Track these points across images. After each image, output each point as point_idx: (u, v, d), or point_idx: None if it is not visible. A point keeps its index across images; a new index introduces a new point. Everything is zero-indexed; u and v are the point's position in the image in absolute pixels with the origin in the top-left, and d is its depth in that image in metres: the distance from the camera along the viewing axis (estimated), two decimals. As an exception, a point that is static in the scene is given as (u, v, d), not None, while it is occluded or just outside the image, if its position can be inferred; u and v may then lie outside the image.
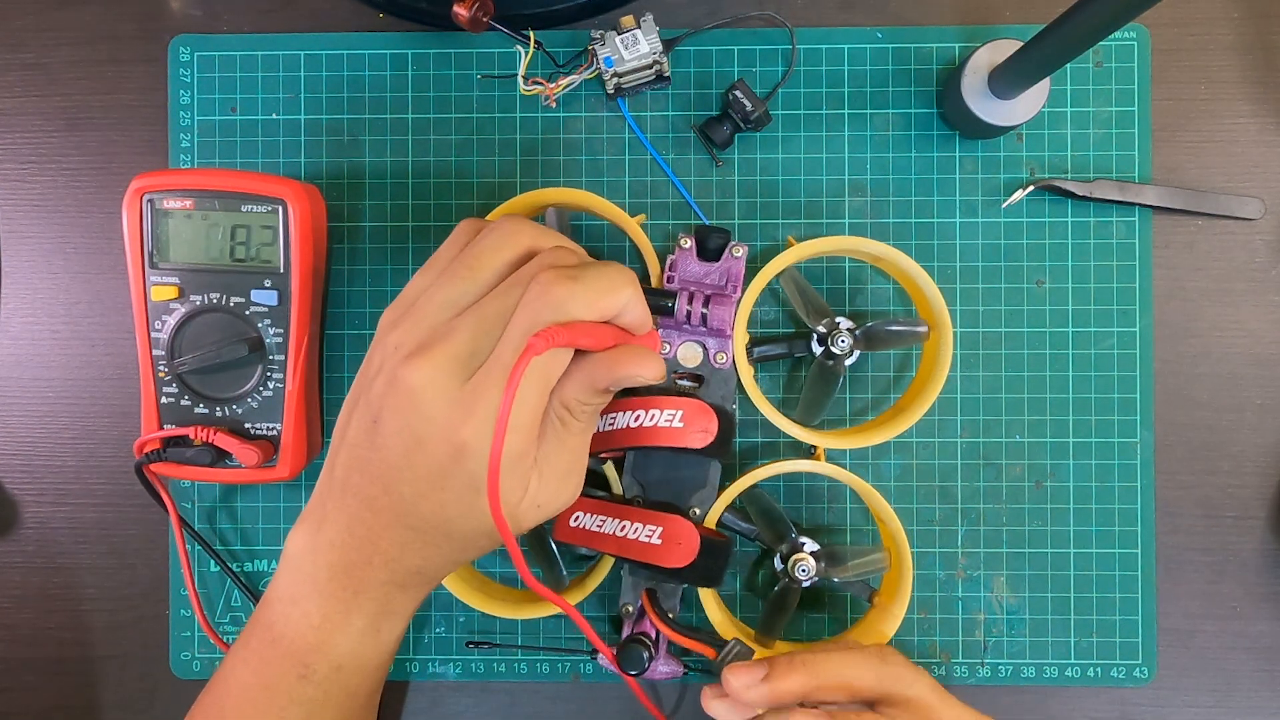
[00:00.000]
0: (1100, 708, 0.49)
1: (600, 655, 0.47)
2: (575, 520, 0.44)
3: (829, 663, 0.40)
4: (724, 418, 0.44)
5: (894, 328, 0.46)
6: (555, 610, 0.46)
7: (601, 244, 0.49)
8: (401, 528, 0.36)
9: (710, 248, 0.45)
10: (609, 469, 0.46)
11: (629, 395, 0.44)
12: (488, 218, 0.46)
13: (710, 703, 0.43)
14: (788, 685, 0.40)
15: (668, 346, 0.45)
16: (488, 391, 0.33)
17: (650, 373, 0.35)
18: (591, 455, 0.45)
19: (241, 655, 0.39)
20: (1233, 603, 0.49)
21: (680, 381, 0.45)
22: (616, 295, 0.35)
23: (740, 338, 0.45)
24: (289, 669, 0.37)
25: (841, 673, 0.40)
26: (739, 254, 0.45)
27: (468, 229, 0.38)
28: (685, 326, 0.45)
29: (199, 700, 0.40)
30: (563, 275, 0.34)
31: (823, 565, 0.46)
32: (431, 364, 0.33)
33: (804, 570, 0.45)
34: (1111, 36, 0.48)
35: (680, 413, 0.43)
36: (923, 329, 0.46)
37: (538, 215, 0.48)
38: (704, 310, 0.44)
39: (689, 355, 0.45)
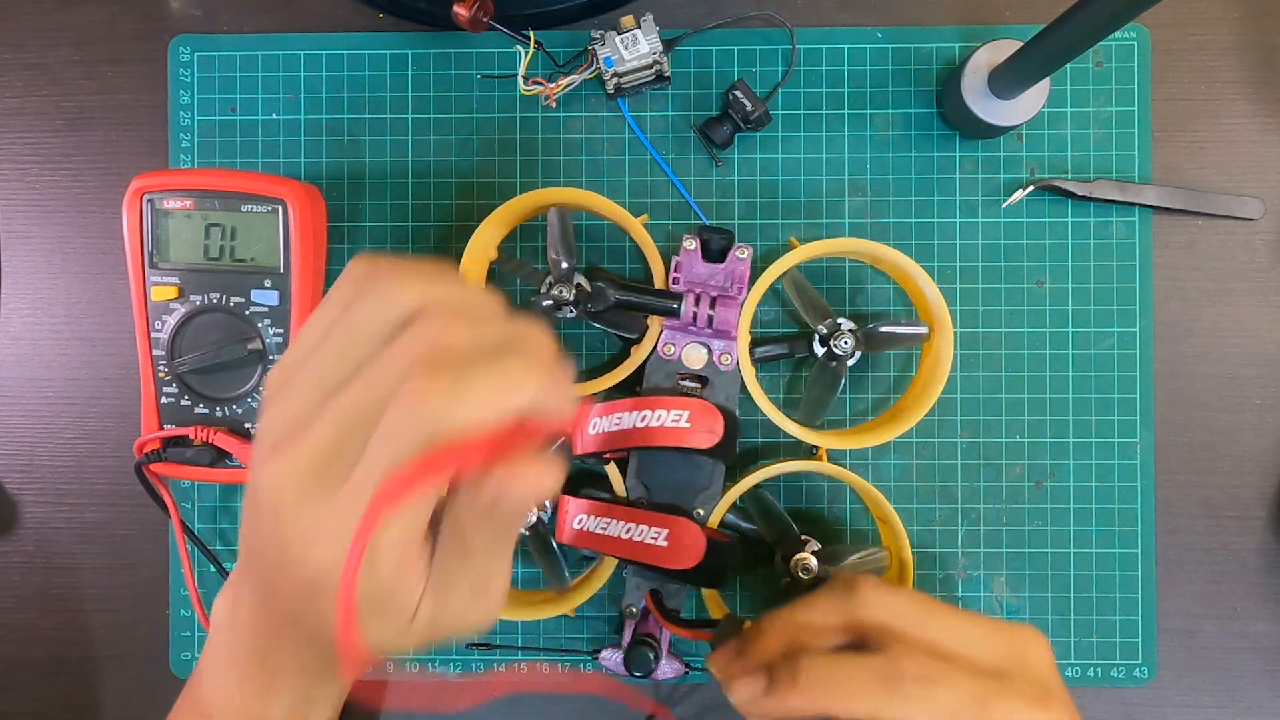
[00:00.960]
0: (1100, 708, 0.49)
1: (605, 654, 0.47)
2: (578, 522, 0.44)
3: (794, 614, 0.37)
4: (729, 419, 0.44)
5: (894, 329, 0.46)
6: (553, 612, 0.46)
7: (601, 243, 0.49)
8: (296, 627, 0.31)
9: (714, 249, 0.45)
10: (612, 470, 0.46)
11: (634, 396, 0.44)
12: (490, 217, 0.46)
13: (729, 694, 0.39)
14: (761, 651, 0.37)
15: (673, 348, 0.45)
16: (341, 515, 0.27)
17: (543, 491, 0.28)
18: (595, 456, 0.45)
19: (182, 712, 0.36)
20: (1233, 603, 0.49)
21: (684, 383, 0.45)
22: (514, 395, 0.27)
23: (743, 339, 0.45)
24: None
25: (809, 619, 0.37)
26: (744, 255, 0.45)
27: (360, 274, 0.29)
28: (691, 328, 0.45)
29: None
30: (440, 379, 0.26)
31: (824, 566, 0.46)
32: (283, 469, 0.27)
33: (805, 570, 0.45)
34: (1111, 36, 0.48)
35: (686, 413, 0.43)
36: (923, 330, 0.46)
37: (539, 215, 0.48)
38: (710, 312, 0.44)
39: (694, 357, 0.45)
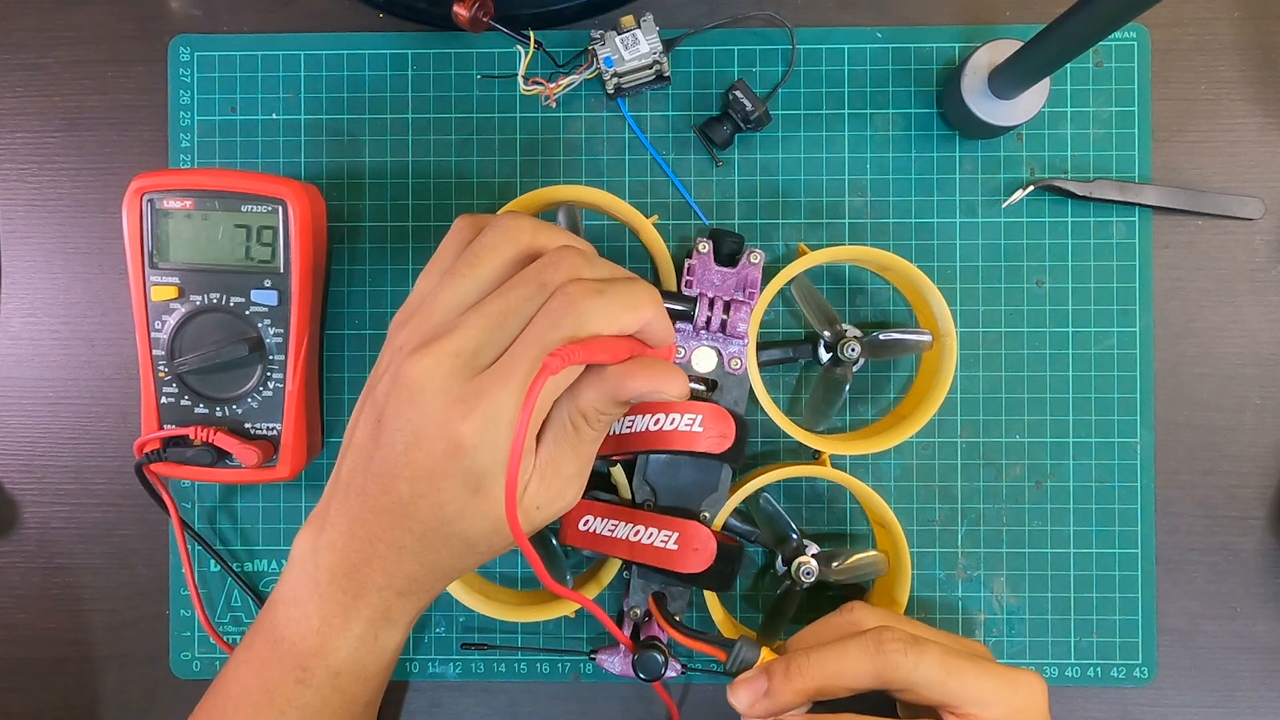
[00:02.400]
0: (1100, 708, 0.49)
1: (603, 655, 0.47)
2: (585, 524, 0.44)
3: (824, 663, 0.40)
4: (740, 423, 0.44)
5: (898, 337, 0.46)
6: (555, 613, 0.46)
7: (602, 243, 0.49)
8: (400, 530, 0.35)
9: (724, 252, 0.45)
10: (617, 472, 0.46)
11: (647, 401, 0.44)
12: (499, 213, 0.46)
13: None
14: (788, 698, 0.39)
15: (682, 351, 0.45)
16: (492, 391, 0.33)
17: (672, 389, 0.35)
18: (604, 458, 0.45)
19: (244, 656, 0.39)
20: (1233, 603, 0.49)
21: (692, 385, 0.45)
22: (639, 313, 0.34)
23: (752, 344, 0.45)
24: (288, 672, 0.37)
25: (840, 670, 0.39)
26: (756, 260, 0.44)
27: (466, 226, 0.38)
28: (702, 332, 0.45)
29: (203, 699, 0.40)
30: (588, 289, 0.33)
31: (825, 570, 0.46)
32: (433, 358, 0.33)
33: (808, 573, 0.45)
34: (1111, 36, 0.48)
35: (700, 417, 0.43)
36: (927, 338, 0.46)
37: (549, 212, 0.48)
38: (724, 317, 0.44)
39: (703, 361, 0.45)
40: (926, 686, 0.39)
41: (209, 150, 0.49)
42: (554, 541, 0.47)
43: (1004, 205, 0.49)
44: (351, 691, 0.38)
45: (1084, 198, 0.48)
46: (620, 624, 0.46)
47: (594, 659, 0.47)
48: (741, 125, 0.47)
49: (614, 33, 0.46)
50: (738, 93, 0.46)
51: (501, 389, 0.33)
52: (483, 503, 0.34)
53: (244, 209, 0.45)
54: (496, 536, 0.36)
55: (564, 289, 0.34)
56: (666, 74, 0.47)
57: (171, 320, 0.45)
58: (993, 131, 0.47)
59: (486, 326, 0.34)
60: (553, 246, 0.35)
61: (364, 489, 0.35)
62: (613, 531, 0.44)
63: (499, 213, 0.46)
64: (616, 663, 0.46)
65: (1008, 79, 0.44)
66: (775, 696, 0.40)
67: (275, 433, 0.46)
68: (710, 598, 0.47)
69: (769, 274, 0.45)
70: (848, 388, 0.46)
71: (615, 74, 0.46)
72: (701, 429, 0.43)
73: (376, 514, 0.35)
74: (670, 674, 0.45)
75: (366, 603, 0.36)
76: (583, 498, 0.45)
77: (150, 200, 0.45)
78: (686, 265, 0.45)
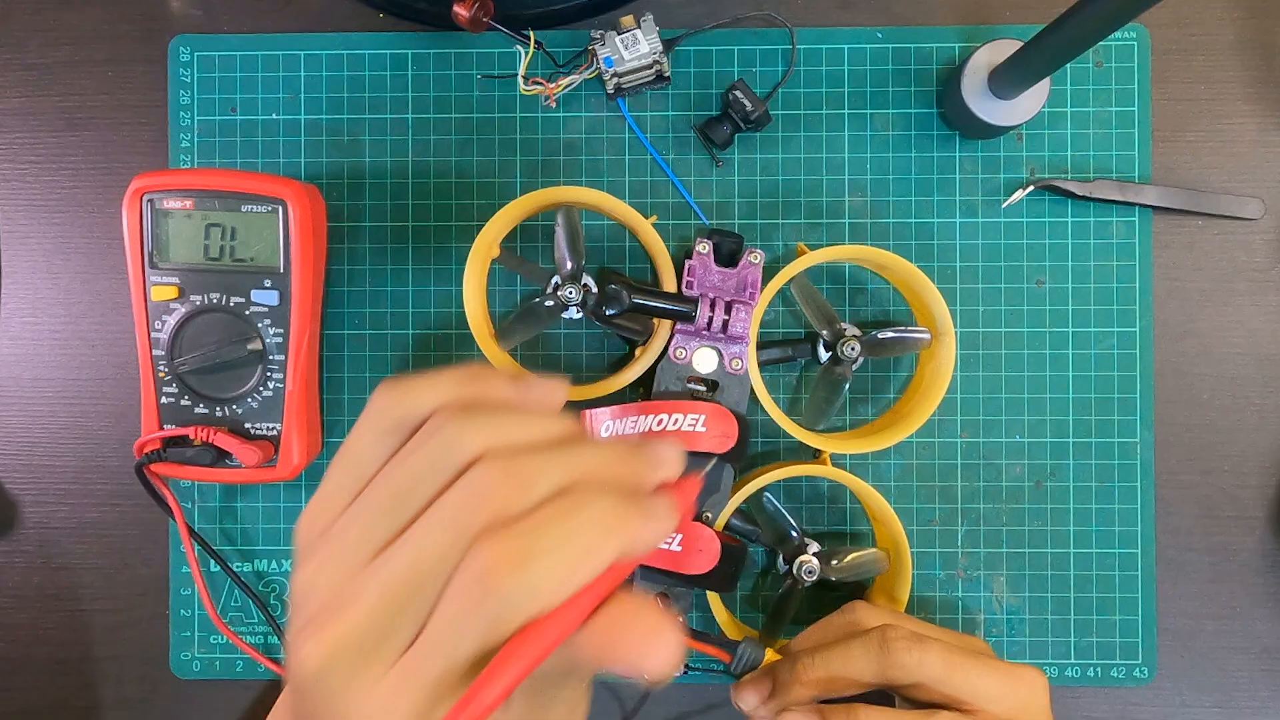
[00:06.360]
0: (1100, 708, 0.49)
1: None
2: None
3: (829, 662, 0.40)
4: (742, 423, 0.43)
5: (897, 335, 0.46)
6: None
7: (602, 243, 0.49)
8: None
9: (724, 252, 0.45)
10: None
11: (650, 400, 0.44)
12: (498, 214, 0.46)
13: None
14: (794, 697, 0.40)
15: (684, 352, 0.45)
16: (399, 702, 0.23)
17: (660, 660, 0.24)
18: None
19: None
20: (1233, 603, 0.49)
21: (692, 386, 0.45)
22: (595, 557, 0.23)
23: (753, 343, 0.45)
24: None
25: (845, 670, 0.40)
26: (756, 260, 0.44)
27: (387, 402, 0.26)
28: (703, 333, 0.45)
29: None
30: (504, 555, 0.23)
31: (826, 568, 0.46)
32: (327, 649, 0.24)
33: (809, 572, 0.45)
34: (1111, 36, 0.48)
35: (702, 417, 0.43)
36: (925, 336, 0.46)
37: (545, 213, 0.48)
38: (724, 317, 0.44)
39: (705, 361, 0.45)
40: (931, 683, 0.39)
41: (209, 150, 0.49)
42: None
43: (1004, 205, 0.49)
44: None
45: (1084, 198, 0.48)
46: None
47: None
48: (741, 125, 0.47)
49: (614, 33, 0.46)
50: (738, 93, 0.46)
51: (418, 691, 0.23)
52: None
53: (244, 209, 0.45)
54: None
55: (468, 566, 0.23)
56: (666, 74, 0.47)
57: (171, 320, 0.45)
58: (993, 131, 0.47)
59: (389, 603, 0.24)
60: (480, 446, 0.24)
61: None
62: None
63: (503, 211, 0.45)
64: None
65: (1008, 79, 0.44)
66: (781, 697, 0.40)
67: (275, 433, 0.46)
68: (713, 599, 0.47)
69: (769, 274, 0.45)
70: (847, 386, 0.46)
71: (615, 74, 0.46)
72: (704, 429, 0.43)
73: None
74: (675, 675, 0.45)
75: None
76: None
77: (150, 200, 0.45)
78: (687, 266, 0.45)
